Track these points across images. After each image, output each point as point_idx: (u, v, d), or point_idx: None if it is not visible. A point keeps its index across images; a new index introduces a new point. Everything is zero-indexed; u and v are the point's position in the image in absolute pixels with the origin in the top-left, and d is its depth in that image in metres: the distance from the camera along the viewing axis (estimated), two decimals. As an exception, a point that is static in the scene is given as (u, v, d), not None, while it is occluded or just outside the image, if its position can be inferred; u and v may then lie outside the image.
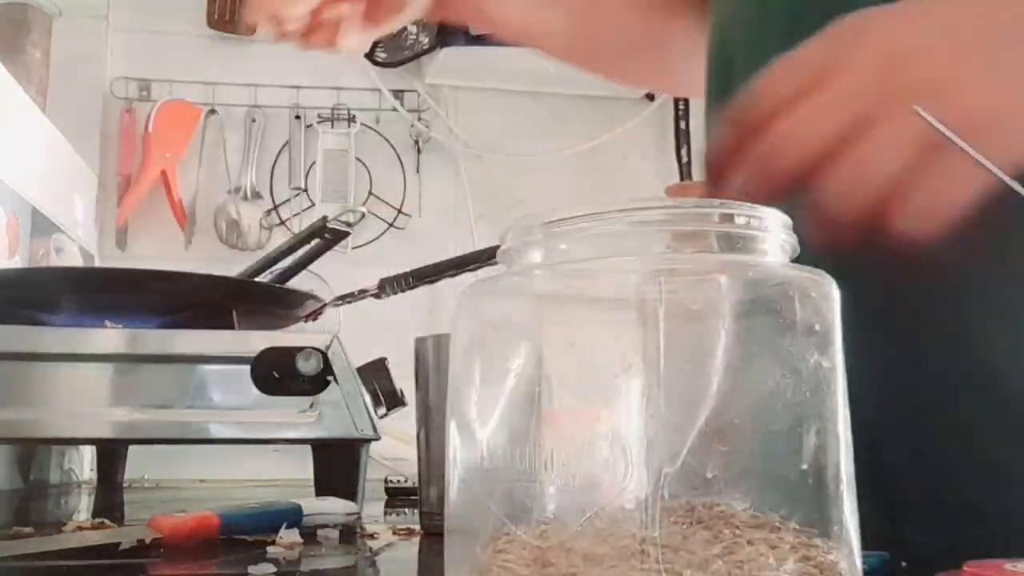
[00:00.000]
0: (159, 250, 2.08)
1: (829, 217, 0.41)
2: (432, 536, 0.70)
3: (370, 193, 2.19)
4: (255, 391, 0.81)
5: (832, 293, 0.36)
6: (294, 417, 0.82)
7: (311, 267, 1.13)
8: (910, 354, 0.55)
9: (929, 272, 0.46)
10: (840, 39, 0.42)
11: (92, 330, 0.87)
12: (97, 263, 1.94)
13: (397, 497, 1.12)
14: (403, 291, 0.96)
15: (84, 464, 1.45)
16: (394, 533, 0.73)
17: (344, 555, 0.64)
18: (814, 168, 0.41)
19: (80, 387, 0.83)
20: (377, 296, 1.00)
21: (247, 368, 0.81)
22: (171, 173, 2.09)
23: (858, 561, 0.34)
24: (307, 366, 0.82)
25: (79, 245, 1.75)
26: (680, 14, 0.83)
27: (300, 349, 0.82)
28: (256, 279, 1.09)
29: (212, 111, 2.17)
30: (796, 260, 0.37)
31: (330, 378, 0.82)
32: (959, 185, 0.39)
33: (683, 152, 2.19)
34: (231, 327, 0.92)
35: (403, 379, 0.92)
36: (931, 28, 0.41)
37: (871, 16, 0.42)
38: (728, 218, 0.35)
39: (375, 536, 0.72)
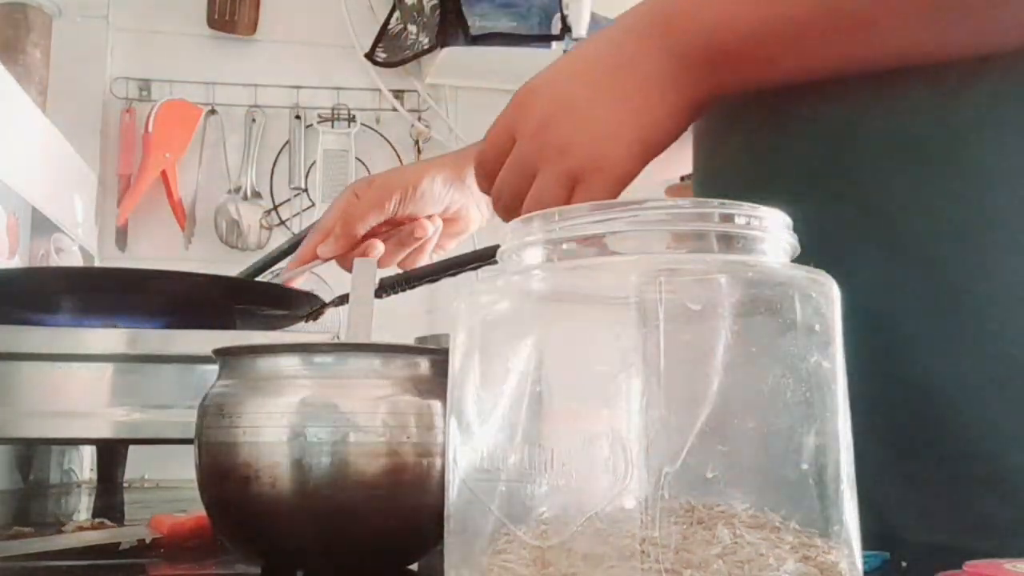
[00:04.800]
0: (159, 250, 2.08)
1: None
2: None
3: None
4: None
5: (832, 293, 0.36)
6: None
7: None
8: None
9: None
10: (515, 112, 0.62)
11: (92, 330, 0.87)
12: (97, 263, 1.94)
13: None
14: (403, 291, 0.96)
15: (84, 464, 1.45)
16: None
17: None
18: (517, 203, 0.61)
19: (80, 387, 0.83)
20: (377, 296, 1.00)
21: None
22: (171, 173, 2.09)
23: (858, 561, 0.34)
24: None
25: (79, 245, 1.75)
26: None
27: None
28: (256, 279, 1.09)
29: (212, 111, 2.17)
30: (796, 260, 0.37)
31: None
32: (597, 199, 0.55)
33: (683, 152, 2.18)
34: (231, 327, 0.91)
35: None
36: (557, 95, 0.61)
37: (532, 88, 0.62)
38: (728, 218, 0.35)
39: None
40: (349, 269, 0.86)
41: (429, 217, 0.94)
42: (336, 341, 0.83)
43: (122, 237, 2.06)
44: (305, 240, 0.93)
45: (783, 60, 0.59)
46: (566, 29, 2.09)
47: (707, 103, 0.61)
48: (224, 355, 0.50)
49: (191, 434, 0.49)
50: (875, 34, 0.56)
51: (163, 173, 2.08)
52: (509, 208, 0.63)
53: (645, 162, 0.60)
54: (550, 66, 0.63)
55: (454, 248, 0.97)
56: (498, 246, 0.39)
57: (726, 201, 0.35)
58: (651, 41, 0.60)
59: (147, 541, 0.57)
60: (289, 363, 0.47)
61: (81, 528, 0.63)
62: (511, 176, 0.61)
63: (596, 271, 0.36)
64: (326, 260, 0.91)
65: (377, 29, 2.25)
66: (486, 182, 0.65)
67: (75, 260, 1.70)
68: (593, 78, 0.60)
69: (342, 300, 1.07)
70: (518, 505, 0.35)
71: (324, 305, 1.03)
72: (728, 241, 0.35)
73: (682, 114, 0.60)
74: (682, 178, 2.14)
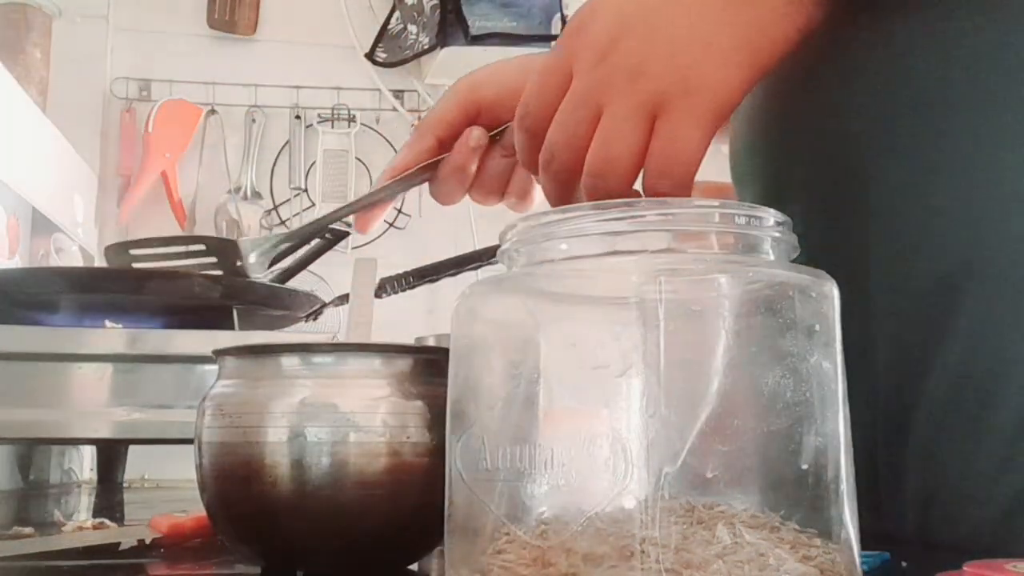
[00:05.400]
0: (159, 250, 2.08)
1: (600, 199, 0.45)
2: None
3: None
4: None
5: (832, 293, 0.36)
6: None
7: (311, 267, 1.13)
8: None
9: None
10: (570, 41, 0.48)
11: (92, 330, 0.87)
12: (97, 263, 1.94)
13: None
14: (403, 291, 0.96)
15: (84, 464, 1.45)
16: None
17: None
18: (576, 165, 0.47)
19: (80, 387, 0.83)
20: (377, 296, 1.00)
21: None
22: (171, 173, 2.09)
23: (858, 561, 0.34)
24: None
25: (79, 245, 1.75)
26: None
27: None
28: (256, 279, 1.09)
29: (212, 111, 2.17)
30: (796, 260, 0.37)
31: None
32: (683, 143, 0.45)
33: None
34: (231, 327, 0.92)
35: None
36: (626, 5, 0.47)
37: (584, 18, 0.48)
38: (728, 218, 0.35)
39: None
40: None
41: None
42: (336, 341, 0.83)
43: (122, 237, 2.06)
44: (416, 139, 0.69)
45: None
46: (566, 29, 2.09)
47: None
48: (224, 355, 0.50)
49: (191, 434, 0.49)
50: None
51: (163, 173, 2.08)
52: (565, 170, 0.47)
53: (753, 81, 0.46)
54: None
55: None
56: (498, 246, 0.39)
57: (726, 201, 0.35)
58: None
59: (147, 541, 0.57)
60: (289, 363, 0.47)
61: (81, 528, 0.63)
62: (567, 122, 0.47)
63: (596, 271, 0.36)
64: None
65: (377, 29, 2.25)
66: (532, 144, 0.49)
67: (75, 260, 1.70)
68: None
69: (342, 300, 1.07)
70: (518, 505, 0.35)
71: (324, 305, 1.03)
72: (728, 241, 0.35)
73: (800, 11, 0.46)
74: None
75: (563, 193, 0.49)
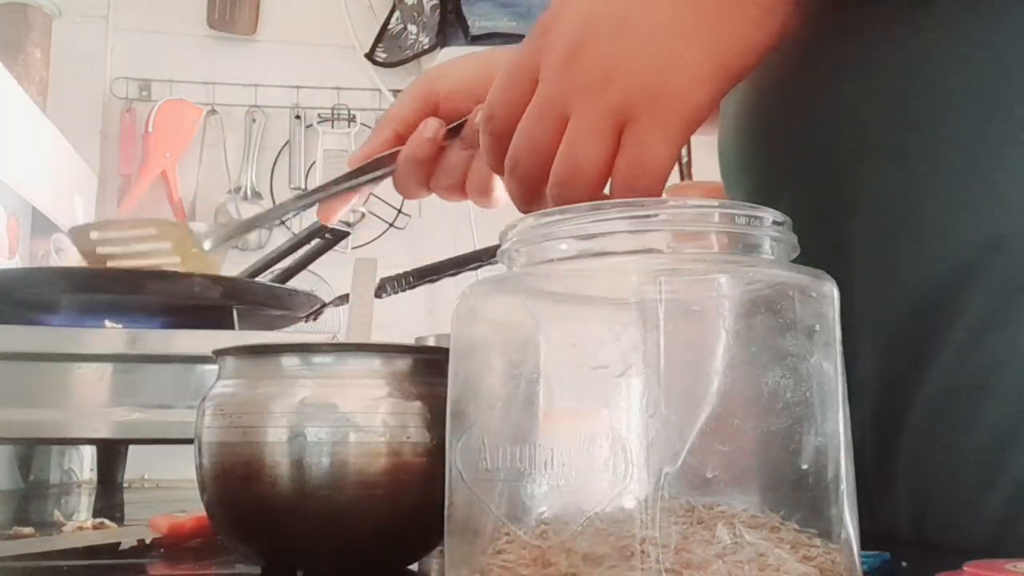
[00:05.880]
0: (159, 250, 2.08)
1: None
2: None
3: (370, 193, 2.19)
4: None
5: (832, 293, 0.36)
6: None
7: (311, 267, 1.13)
8: None
9: None
10: (537, 41, 0.46)
11: (92, 330, 0.87)
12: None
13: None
14: (403, 291, 0.96)
15: (84, 464, 1.45)
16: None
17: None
18: (542, 172, 0.46)
19: (80, 387, 0.83)
20: (377, 296, 1.00)
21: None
22: (171, 173, 2.10)
23: (858, 561, 0.34)
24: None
25: (79, 245, 1.75)
26: None
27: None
28: (256, 279, 1.09)
29: (212, 111, 2.17)
30: (796, 260, 0.37)
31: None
32: (650, 154, 0.44)
33: (682, 152, 2.19)
34: (231, 327, 0.92)
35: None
36: (594, 9, 0.45)
37: (552, 18, 0.46)
38: (728, 218, 0.35)
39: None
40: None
41: None
42: (336, 341, 0.83)
43: (122, 237, 2.06)
44: (375, 131, 0.70)
45: None
46: (566, 29, 2.09)
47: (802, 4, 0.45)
48: (224, 355, 0.50)
49: (191, 434, 0.49)
50: None
51: (163, 173, 2.08)
52: (530, 177, 0.46)
53: (724, 91, 0.45)
54: None
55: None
56: (498, 246, 0.39)
57: (726, 201, 0.35)
58: None
59: (147, 541, 0.57)
60: (289, 363, 0.47)
61: (81, 528, 0.63)
62: (533, 128, 0.46)
63: (596, 271, 0.36)
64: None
65: (377, 29, 2.25)
66: (496, 147, 0.48)
67: (75, 260, 1.70)
68: None
69: (342, 300, 1.07)
70: (518, 505, 0.35)
71: (324, 305, 1.03)
72: (728, 241, 0.35)
73: (775, 19, 0.44)
74: (682, 177, 2.14)
75: (528, 198, 0.48)
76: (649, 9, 0.44)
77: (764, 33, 0.44)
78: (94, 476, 1.36)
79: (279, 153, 2.20)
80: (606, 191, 0.46)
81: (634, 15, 0.44)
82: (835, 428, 0.35)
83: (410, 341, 0.80)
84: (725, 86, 0.45)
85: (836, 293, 0.36)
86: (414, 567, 0.51)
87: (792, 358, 0.35)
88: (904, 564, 0.46)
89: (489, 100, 0.49)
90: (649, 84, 0.43)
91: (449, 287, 0.94)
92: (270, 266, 1.13)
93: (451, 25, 2.15)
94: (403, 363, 0.48)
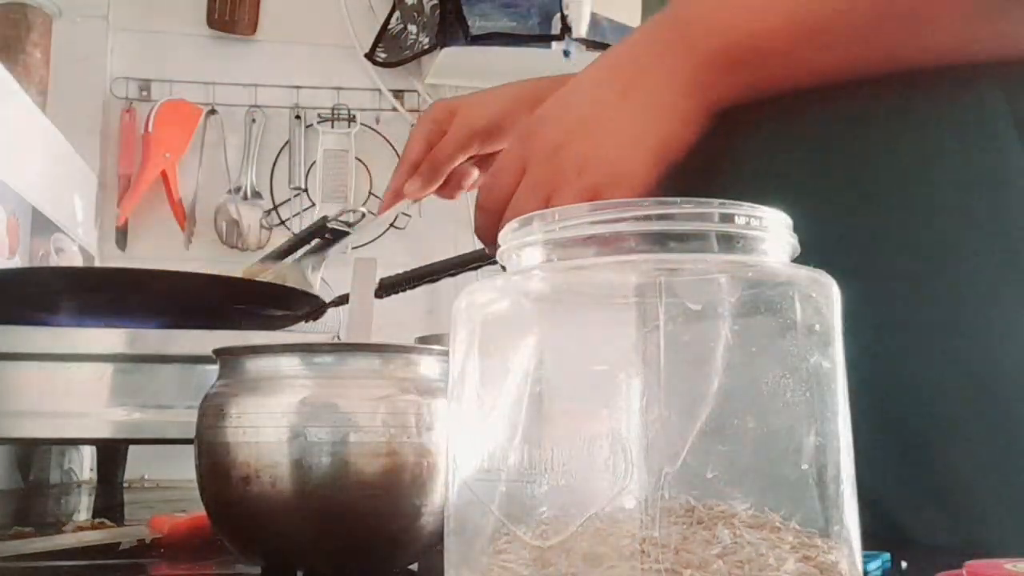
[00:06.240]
0: (159, 250, 2.08)
1: None
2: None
3: (370, 193, 2.19)
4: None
5: (833, 293, 0.36)
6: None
7: (311, 267, 1.13)
8: None
9: None
10: (523, 143, 0.61)
11: (92, 330, 0.87)
12: (97, 263, 1.94)
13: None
14: (403, 291, 0.96)
15: (84, 464, 1.45)
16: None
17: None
18: None
19: (80, 387, 0.83)
20: (377, 296, 1.00)
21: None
22: (171, 173, 2.09)
23: (858, 561, 0.34)
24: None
25: (79, 245, 1.75)
26: None
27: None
28: (256, 279, 1.09)
29: (212, 111, 2.17)
30: (796, 260, 0.37)
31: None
32: None
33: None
34: (231, 327, 0.92)
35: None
36: (571, 116, 0.60)
37: (539, 116, 0.62)
38: (728, 218, 0.35)
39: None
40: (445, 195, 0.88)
41: None
42: (336, 341, 0.83)
43: (122, 237, 2.06)
44: (393, 176, 0.88)
45: (819, 58, 0.56)
46: (566, 29, 2.09)
47: (723, 107, 0.59)
48: (224, 355, 0.50)
49: (191, 434, 0.49)
50: (932, 29, 0.53)
51: (163, 173, 2.08)
52: None
53: (661, 171, 0.59)
54: (556, 94, 0.62)
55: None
56: (498, 246, 0.39)
57: (726, 201, 0.35)
58: (667, 48, 0.58)
59: (147, 541, 0.57)
60: (289, 363, 0.47)
61: (81, 528, 0.63)
62: (524, 205, 0.59)
63: (596, 271, 0.36)
64: (416, 200, 0.87)
65: (377, 29, 2.25)
66: (489, 221, 0.62)
67: (75, 260, 1.70)
68: (607, 94, 0.60)
69: (342, 300, 1.07)
70: (518, 505, 0.35)
71: (324, 305, 1.03)
72: (728, 241, 0.35)
73: (698, 121, 0.59)
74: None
75: None
76: (611, 118, 0.59)
77: (691, 132, 0.59)
78: (94, 476, 1.36)
79: (279, 153, 2.20)
80: None
81: (601, 123, 0.59)
82: (835, 428, 0.35)
83: (410, 341, 0.80)
84: (667, 165, 0.59)
85: (837, 293, 0.36)
86: (414, 567, 0.51)
87: (792, 358, 0.35)
88: (904, 564, 0.46)
89: (484, 183, 0.64)
90: (612, 170, 0.58)
91: (449, 287, 0.95)
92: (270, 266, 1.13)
93: (451, 25, 2.14)
94: (403, 363, 0.48)
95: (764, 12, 0.56)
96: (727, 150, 0.69)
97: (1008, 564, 0.36)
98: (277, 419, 0.46)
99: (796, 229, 0.37)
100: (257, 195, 2.17)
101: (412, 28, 2.22)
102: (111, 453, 1.31)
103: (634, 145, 0.58)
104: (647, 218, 0.35)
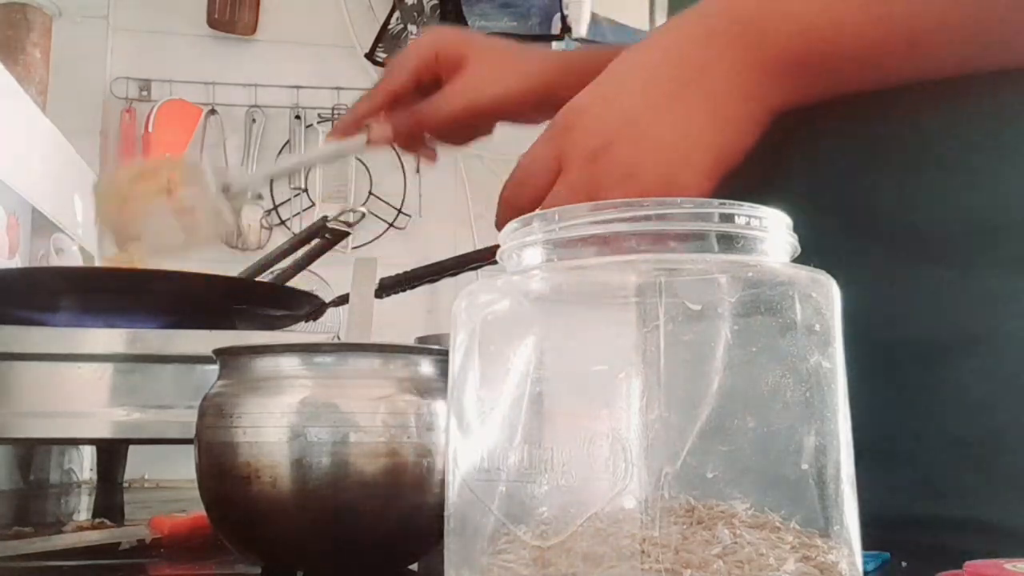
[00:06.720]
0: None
1: None
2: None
3: (370, 193, 2.19)
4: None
5: (833, 293, 0.36)
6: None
7: (311, 267, 1.13)
8: None
9: None
10: (559, 138, 0.56)
11: (92, 330, 0.87)
12: (97, 263, 1.94)
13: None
14: (403, 291, 0.96)
15: (84, 464, 1.45)
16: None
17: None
18: None
19: (80, 387, 0.83)
20: (377, 296, 1.00)
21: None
22: (171, 173, 2.09)
23: (858, 561, 0.34)
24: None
25: (79, 245, 1.75)
26: None
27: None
28: (256, 279, 1.09)
29: (212, 111, 2.17)
30: (796, 260, 0.37)
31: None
32: None
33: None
34: (231, 327, 0.91)
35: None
36: (615, 114, 0.55)
37: (580, 107, 0.56)
38: (728, 218, 0.35)
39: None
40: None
41: None
42: (336, 341, 0.83)
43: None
44: (363, 99, 0.81)
45: (893, 64, 0.53)
46: (566, 29, 2.09)
47: (784, 111, 0.55)
48: (224, 355, 0.50)
49: (191, 434, 0.49)
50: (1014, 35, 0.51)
51: (163, 173, 2.08)
52: None
53: (717, 183, 0.55)
54: (596, 82, 0.57)
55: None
56: (498, 246, 0.39)
57: (726, 201, 0.35)
58: (725, 48, 0.53)
59: (147, 541, 0.57)
60: (289, 363, 0.47)
61: (81, 528, 0.63)
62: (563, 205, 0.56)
63: (596, 271, 0.36)
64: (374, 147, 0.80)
65: (377, 29, 2.25)
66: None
67: (75, 260, 1.70)
68: (656, 93, 0.54)
69: (342, 300, 1.07)
70: (518, 505, 0.35)
71: (324, 305, 1.03)
72: (728, 241, 0.35)
73: (758, 126, 0.54)
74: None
75: None
76: (662, 121, 0.54)
77: (750, 138, 0.55)
78: (94, 476, 1.36)
79: (279, 153, 2.20)
80: None
81: (650, 126, 0.54)
82: (835, 428, 0.35)
83: (410, 341, 0.80)
84: (720, 178, 0.55)
85: (837, 293, 0.36)
86: (414, 567, 0.51)
87: (792, 358, 0.35)
88: (904, 564, 0.46)
89: (517, 179, 0.58)
90: (663, 181, 0.53)
91: (449, 287, 0.95)
92: (270, 266, 1.13)
93: (451, 25, 2.15)
94: (403, 363, 0.48)
95: (842, 11, 0.52)
96: (777, 152, 0.62)
97: (1008, 564, 0.36)
98: (277, 419, 0.46)
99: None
100: (257, 195, 2.17)
101: (412, 28, 2.22)
102: (111, 453, 1.31)
103: (688, 153, 0.54)
104: (647, 218, 0.35)
